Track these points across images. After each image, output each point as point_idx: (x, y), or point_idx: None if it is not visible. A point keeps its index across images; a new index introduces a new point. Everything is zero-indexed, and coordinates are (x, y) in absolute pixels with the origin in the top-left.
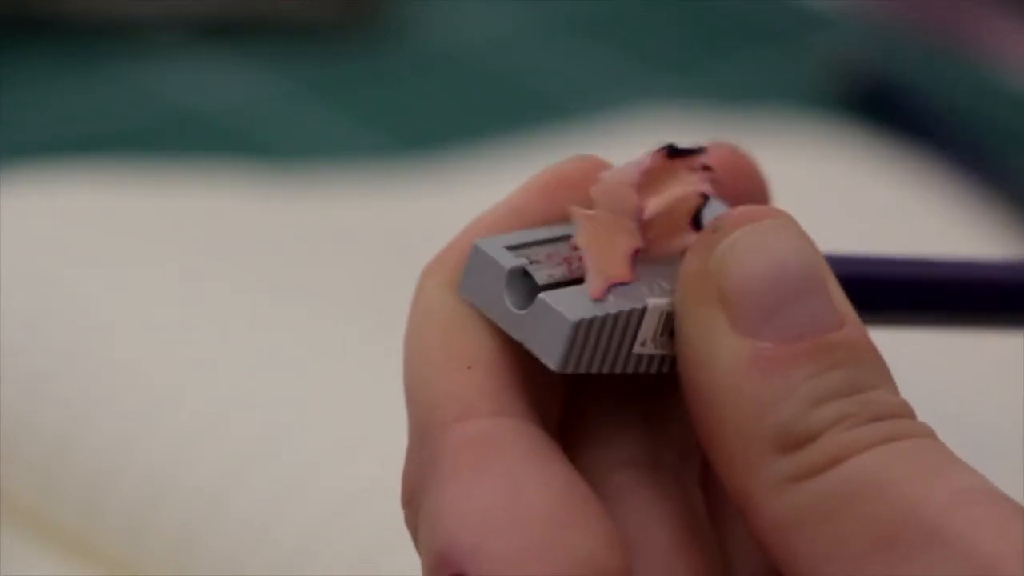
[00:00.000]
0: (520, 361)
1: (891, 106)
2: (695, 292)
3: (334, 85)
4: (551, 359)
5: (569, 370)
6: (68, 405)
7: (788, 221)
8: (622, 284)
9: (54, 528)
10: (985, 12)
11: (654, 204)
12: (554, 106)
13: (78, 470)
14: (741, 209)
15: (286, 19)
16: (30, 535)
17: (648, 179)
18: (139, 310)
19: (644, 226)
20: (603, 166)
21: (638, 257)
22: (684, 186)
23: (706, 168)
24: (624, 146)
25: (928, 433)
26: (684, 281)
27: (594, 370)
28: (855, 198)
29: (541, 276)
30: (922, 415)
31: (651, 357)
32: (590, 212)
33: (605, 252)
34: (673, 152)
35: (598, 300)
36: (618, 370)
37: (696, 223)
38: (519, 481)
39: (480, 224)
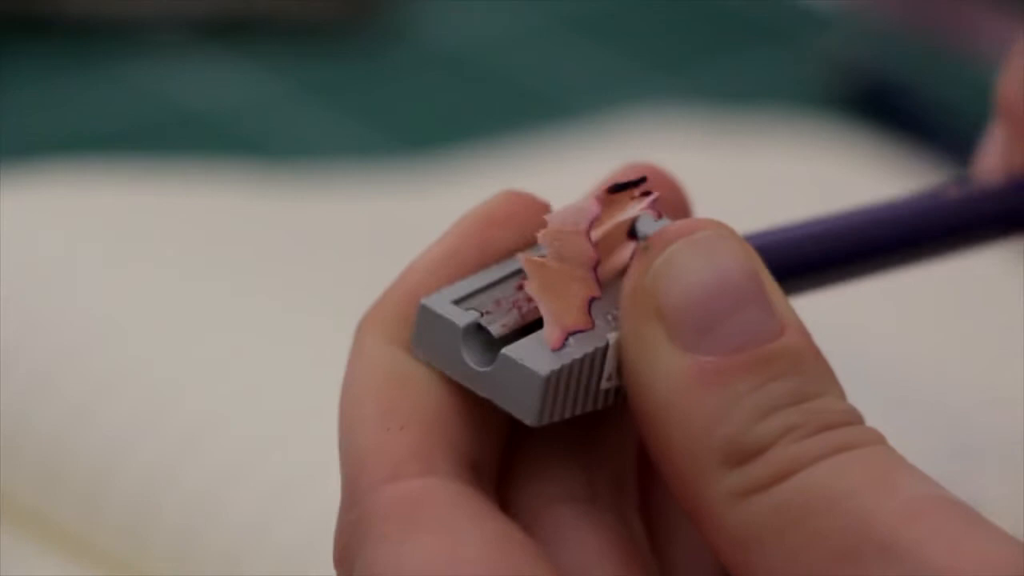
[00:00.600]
0: (461, 412)
1: (891, 106)
2: (634, 311)
3: (334, 85)
4: (527, 416)
5: (544, 423)
6: (68, 405)
7: (722, 230)
8: (579, 332)
9: (54, 528)
10: (984, 12)
11: (598, 233)
12: (554, 106)
13: (78, 470)
14: (675, 224)
15: (286, 19)
16: (30, 535)
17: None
18: (139, 310)
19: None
20: (535, 203)
21: (592, 304)
22: (627, 213)
23: (645, 193)
24: (624, 146)
25: (877, 439)
26: (623, 301)
27: (567, 416)
28: (854, 198)
29: (496, 328)
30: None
31: (617, 388)
32: (538, 260)
33: (560, 301)
34: (614, 188)
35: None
36: (588, 409)
37: (632, 234)
38: (454, 538)
39: (414, 271)
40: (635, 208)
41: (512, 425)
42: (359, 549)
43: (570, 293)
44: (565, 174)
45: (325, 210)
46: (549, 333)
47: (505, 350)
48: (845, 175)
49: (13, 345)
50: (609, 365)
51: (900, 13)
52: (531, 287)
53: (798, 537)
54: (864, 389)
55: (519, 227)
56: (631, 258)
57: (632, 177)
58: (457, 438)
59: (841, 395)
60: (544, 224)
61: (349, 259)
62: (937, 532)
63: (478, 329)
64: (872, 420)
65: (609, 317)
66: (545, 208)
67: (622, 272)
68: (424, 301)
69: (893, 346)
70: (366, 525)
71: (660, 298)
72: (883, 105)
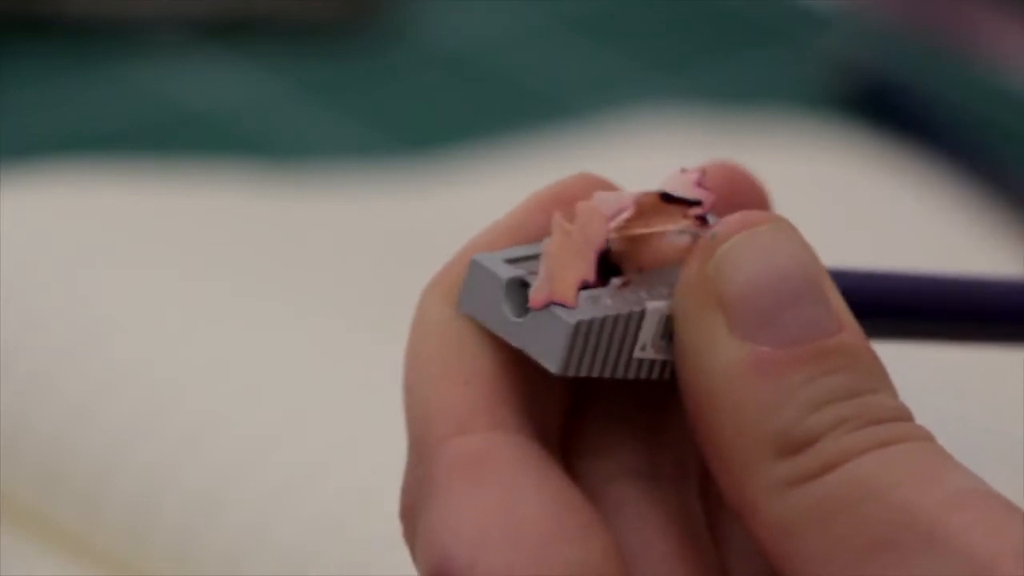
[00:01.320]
0: (519, 375)
1: (891, 106)
2: (694, 297)
3: (334, 85)
4: (552, 362)
5: (570, 374)
6: (68, 404)
7: (786, 226)
8: (559, 305)
9: (54, 528)
10: (984, 12)
11: (639, 229)
12: (554, 106)
13: (78, 470)
14: (739, 214)
15: (286, 19)
16: (30, 535)
17: (639, 212)
18: (139, 309)
19: (629, 247)
20: (603, 184)
21: (583, 289)
22: (670, 226)
23: (701, 219)
24: (624, 146)
25: (926, 436)
26: (683, 286)
27: (595, 374)
28: (854, 198)
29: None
30: (924, 419)
31: (652, 362)
32: (567, 225)
33: (561, 269)
34: (667, 198)
35: (572, 308)
36: (619, 375)
37: (703, 221)
38: (513, 495)
39: (480, 241)
40: (681, 224)
41: (573, 396)
42: (424, 503)
43: (571, 267)
44: (565, 174)
45: (325, 210)
46: (535, 288)
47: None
48: (845, 175)
49: (13, 345)
50: (644, 335)
51: (900, 13)
52: (548, 246)
53: (843, 525)
54: None
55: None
56: (691, 246)
57: (696, 196)
58: (519, 396)
59: (893, 393)
60: (589, 197)
61: (349, 259)
62: (981, 521)
63: (522, 285)
64: None
65: (654, 290)
66: (615, 189)
67: (679, 261)
68: (476, 257)
69: (893, 347)
70: (431, 480)
71: (722, 286)
72: (883, 105)
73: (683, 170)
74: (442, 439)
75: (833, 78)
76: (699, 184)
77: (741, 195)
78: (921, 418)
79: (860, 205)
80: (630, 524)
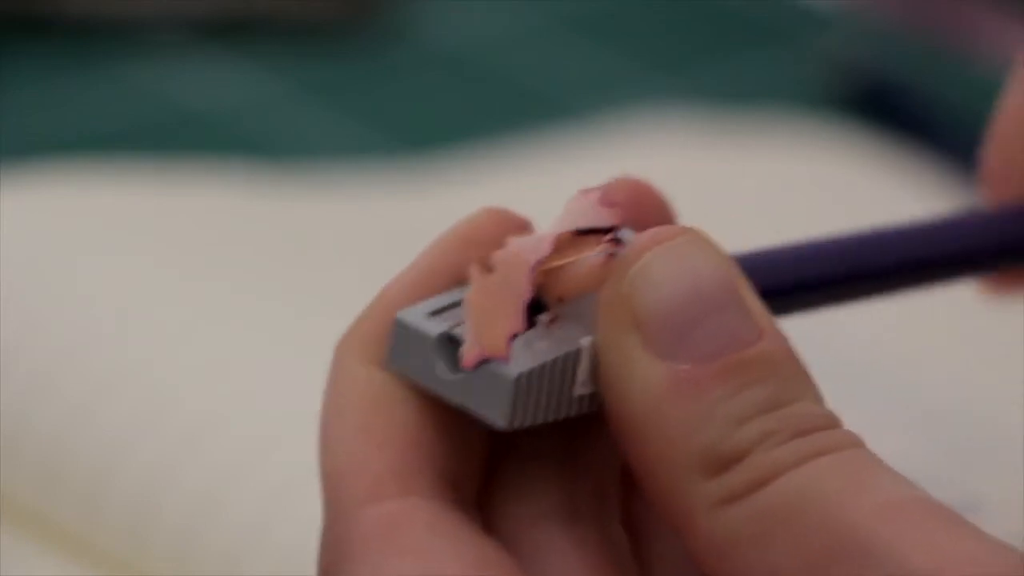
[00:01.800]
0: (438, 431)
1: (891, 106)
2: (610, 319)
3: (334, 85)
4: (497, 419)
5: (516, 426)
6: (68, 404)
7: (698, 237)
8: (495, 359)
9: (54, 528)
10: (984, 12)
11: (556, 262)
12: (554, 106)
13: (78, 470)
14: (650, 231)
15: (286, 19)
16: (30, 535)
17: (556, 248)
18: (139, 309)
19: (547, 279)
20: (514, 221)
21: (514, 339)
22: (587, 254)
23: (615, 240)
24: (624, 146)
25: (855, 443)
26: (600, 309)
27: (539, 421)
28: (854, 198)
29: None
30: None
31: (591, 396)
32: (484, 277)
33: (488, 323)
34: (582, 232)
35: (510, 362)
36: (561, 415)
37: (616, 241)
38: (431, 557)
39: (392, 289)
40: (598, 251)
41: (492, 443)
42: (340, 567)
43: (499, 320)
44: (565, 174)
45: (325, 210)
46: (465, 349)
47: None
48: (845, 175)
49: (13, 345)
50: (582, 371)
51: (900, 13)
52: (468, 299)
53: (776, 543)
54: (862, 390)
55: (497, 246)
56: (607, 267)
57: (606, 223)
58: (436, 456)
59: (817, 399)
60: (503, 245)
61: (349, 259)
62: (915, 533)
63: (451, 340)
64: (869, 421)
65: (588, 322)
66: (524, 225)
67: (595, 281)
68: (399, 314)
69: (894, 348)
70: (346, 545)
71: (636, 306)
72: (883, 105)
73: (584, 190)
74: (357, 504)
75: (833, 78)
76: (602, 202)
77: (647, 210)
78: (858, 405)
79: (860, 205)
80: (553, 567)
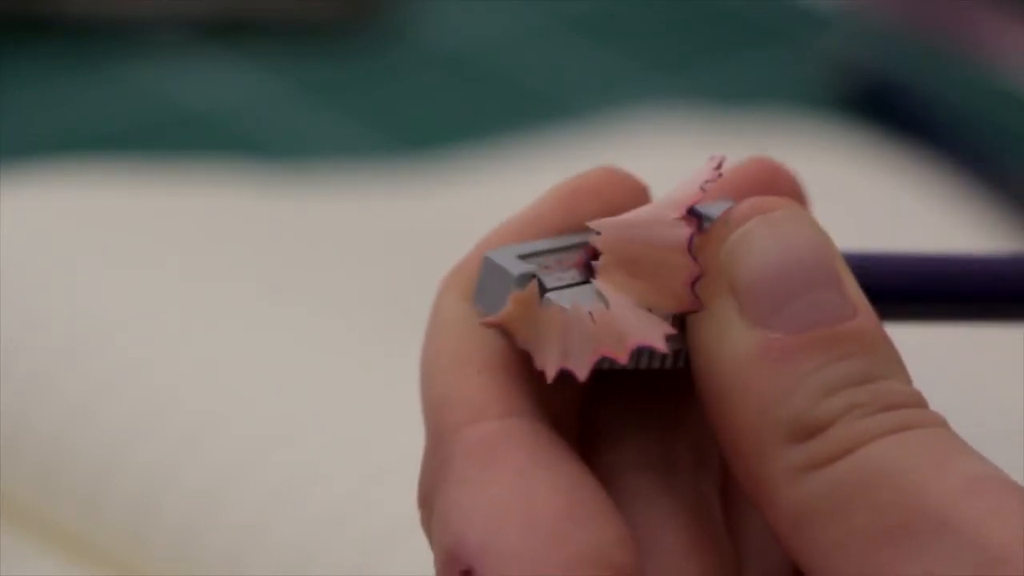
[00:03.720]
0: (534, 368)
1: (891, 106)
2: (706, 284)
3: (334, 85)
4: (581, 372)
5: (596, 367)
6: (68, 404)
7: (800, 211)
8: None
9: (54, 528)
10: (984, 12)
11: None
12: (554, 106)
13: (78, 470)
14: (752, 200)
15: (286, 19)
16: (30, 535)
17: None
18: (139, 309)
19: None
20: (628, 180)
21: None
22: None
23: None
24: (624, 146)
25: (939, 422)
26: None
27: (605, 366)
28: (855, 198)
29: (550, 280)
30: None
31: (676, 352)
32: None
33: (654, 282)
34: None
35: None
36: (642, 366)
37: (695, 216)
38: (527, 480)
39: (499, 233)
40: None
41: (592, 387)
42: (440, 489)
43: (666, 275)
44: (565, 174)
45: (325, 210)
46: (646, 327)
47: (549, 295)
48: (845, 175)
49: (13, 345)
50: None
51: (900, 13)
52: (604, 271)
53: (857, 512)
54: None
55: (607, 201)
56: (703, 233)
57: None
58: (534, 386)
59: (907, 379)
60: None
61: (349, 259)
62: (995, 508)
63: (533, 280)
64: None
65: None
66: (640, 187)
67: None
68: (488, 253)
69: (910, 336)
70: (447, 466)
71: (734, 273)
72: (883, 105)
73: (713, 158)
74: (457, 427)
75: (833, 78)
76: (717, 169)
77: (776, 189)
78: (936, 404)
79: (860, 205)
80: (644, 514)
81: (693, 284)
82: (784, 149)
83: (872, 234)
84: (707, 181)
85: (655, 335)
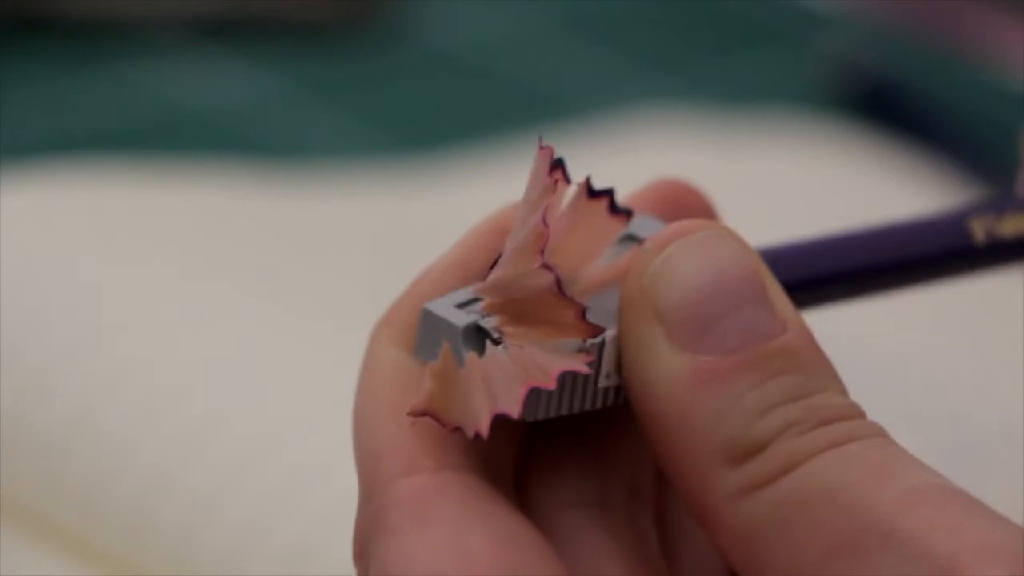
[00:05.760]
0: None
1: (891, 106)
2: (632, 312)
3: (334, 85)
4: (514, 410)
5: (539, 417)
6: (69, 404)
7: (722, 230)
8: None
9: (54, 528)
10: (985, 12)
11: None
12: (554, 106)
13: (78, 470)
14: (674, 225)
15: (286, 19)
16: (30, 535)
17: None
18: (139, 309)
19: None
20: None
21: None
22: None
23: (633, 239)
24: (624, 146)
25: (878, 432)
26: (621, 302)
27: (562, 413)
28: (855, 198)
29: (494, 329)
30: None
31: (616, 388)
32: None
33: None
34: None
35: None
36: (587, 407)
37: (631, 238)
38: (463, 532)
39: (427, 278)
40: (619, 246)
41: (528, 431)
42: (374, 542)
43: (556, 315)
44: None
45: (325, 209)
46: (559, 363)
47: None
48: (845, 175)
49: (14, 344)
50: (607, 363)
51: (901, 13)
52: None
53: (799, 530)
54: (863, 391)
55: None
56: (628, 260)
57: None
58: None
59: (842, 391)
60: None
61: (349, 258)
62: (937, 519)
63: (477, 330)
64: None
65: (606, 317)
66: None
67: (618, 275)
68: (427, 305)
69: (893, 347)
70: (381, 518)
71: (658, 299)
72: (883, 105)
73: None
74: (391, 478)
75: (833, 78)
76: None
77: (688, 210)
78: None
79: (860, 205)
80: (582, 553)
81: (583, 315)
82: (784, 149)
83: None
84: (547, 207)
85: (575, 360)
